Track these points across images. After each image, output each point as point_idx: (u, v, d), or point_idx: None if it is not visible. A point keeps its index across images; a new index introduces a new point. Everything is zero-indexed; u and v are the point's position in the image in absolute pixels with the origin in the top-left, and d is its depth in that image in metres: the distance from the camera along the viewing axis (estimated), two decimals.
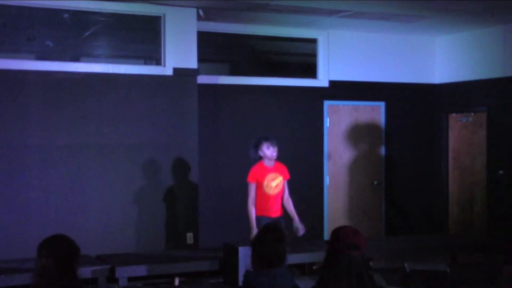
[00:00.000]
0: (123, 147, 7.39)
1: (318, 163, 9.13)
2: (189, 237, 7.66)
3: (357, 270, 2.99)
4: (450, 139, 9.72)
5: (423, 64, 9.79)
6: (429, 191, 9.81)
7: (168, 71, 7.58)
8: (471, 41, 9.33)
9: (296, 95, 8.95)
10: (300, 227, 6.45)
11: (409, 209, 9.66)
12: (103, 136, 7.29)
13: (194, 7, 7.63)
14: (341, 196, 9.35)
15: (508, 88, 8.72)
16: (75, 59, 7.39)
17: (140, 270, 6.13)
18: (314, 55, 9.21)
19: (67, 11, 7.19)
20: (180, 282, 6.43)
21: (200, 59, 7.85)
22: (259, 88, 8.73)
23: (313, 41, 9.18)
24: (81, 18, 7.28)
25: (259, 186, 6.35)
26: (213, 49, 8.76)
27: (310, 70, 9.21)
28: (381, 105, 9.57)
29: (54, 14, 7.16)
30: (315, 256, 6.56)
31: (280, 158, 6.47)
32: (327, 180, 9.23)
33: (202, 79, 7.99)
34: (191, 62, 7.68)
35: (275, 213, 6.45)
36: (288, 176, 6.52)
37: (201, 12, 7.77)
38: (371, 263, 6.80)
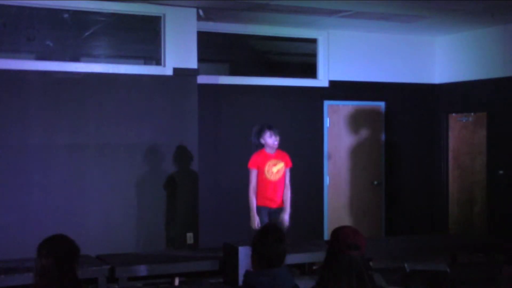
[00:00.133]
0: (123, 147, 7.39)
1: (318, 163, 9.13)
2: (189, 237, 7.66)
3: (357, 270, 2.99)
4: (450, 139, 9.72)
5: (423, 64, 9.79)
6: (429, 191, 9.81)
7: (168, 71, 7.58)
8: (471, 41, 9.33)
9: (296, 95, 8.95)
10: (284, 220, 6.47)
11: (409, 209, 9.66)
12: (103, 136, 7.29)
13: (194, 7, 7.63)
14: (341, 196, 9.35)
15: (508, 88, 8.72)
16: (75, 59, 7.39)
17: (140, 270, 6.14)
18: (314, 55, 9.21)
19: (67, 11, 7.19)
20: (180, 282, 6.43)
21: (200, 59, 7.85)
22: (259, 88, 8.73)
23: (313, 41, 9.18)
24: (81, 18, 7.28)
25: (260, 172, 6.46)
26: (213, 49, 8.75)
27: (310, 70, 9.21)
28: (381, 105, 9.57)
29: (54, 14, 7.16)
30: (315, 256, 6.55)
31: None
32: (327, 180, 9.23)
33: (202, 79, 7.99)
34: (191, 62, 7.68)
35: (275, 203, 6.49)
36: (290, 164, 6.61)
37: (201, 12, 7.77)
38: (371, 263, 6.80)
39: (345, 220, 9.12)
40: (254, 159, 6.51)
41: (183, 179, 7.65)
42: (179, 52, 7.63)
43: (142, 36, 7.87)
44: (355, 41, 9.32)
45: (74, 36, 7.37)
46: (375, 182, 9.53)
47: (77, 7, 7.17)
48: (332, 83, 9.18)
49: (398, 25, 8.72)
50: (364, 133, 9.47)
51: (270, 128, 6.51)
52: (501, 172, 8.79)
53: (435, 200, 9.80)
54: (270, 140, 6.47)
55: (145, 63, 8.04)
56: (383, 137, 9.57)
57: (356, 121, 9.42)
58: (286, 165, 6.58)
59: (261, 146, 6.53)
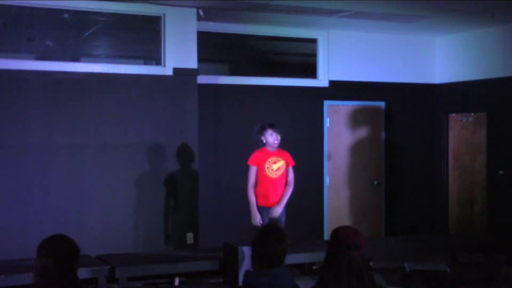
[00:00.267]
0: (123, 147, 7.39)
1: (318, 163, 9.13)
2: (189, 237, 7.66)
3: (357, 270, 2.99)
4: (450, 139, 9.72)
5: (423, 64, 9.79)
6: (429, 191, 9.81)
7: (168, 71, 7.58)
8: (471, 41, 9.33)
9: (296, 95, 8.95)
10: (274, 212, 6.43)
11: (409, 209, 9.66)
12: (103, 136, 7.29)
13: (194, 7, 7.63)
14: (341, 196, 9.34)
15: (508, 88, 8.72)
16: (75, 59, 7.39)
17: (140, 270, 6.14)
18: (314, 55, 9.21)
19: (67, 11, 7.19)
20: (180, 282, 6.43)
21: (200, 59, 7.85)
22: (259, 88, 8.72)
23: (313, 41, 9.18)
24: (81, 18, 7.28)
25: (260, 169, 6.48)
26: (213, 49, 8.75)
27: (310, 70, 9.20)
28: (381, 105, 9.57)
29: (54, 14, 7.15)
30: (315, 256, 6.56)
31: None
32: (327, 180, 9.23)
33: (202, 79, 7.99)
34: (191, 62, 7.68)
35: (275, 202, 6.47)
36: (292, 162, 6.62)
37: (201, 12, 7.77)
38: (371, 263, 6.80)
39: (345, 220, 9.11)
40: (255, 156, 6.53)
41: (183, 179, 7.65)
42: (179, 52, 7.63)
43: (142, 36, 7.87)
44: (355, 41, 9.32)
45: (74, 36, 7.37)
46: (375, 182, 9.53)
47: (77, 7, 7.17)
48: (332, 83, 9.18)
49: (398, 25, 8.73)
50: (364, 133, 9.47)
51: (271, 126, 6.54)
52: (501, 172, 8.79)
53: (435, 200, 9.80)
54: (271, 138, 6.50)
55: (145, 63, 8.04)
56: (383, 137, 9.57)
57: (356, 121, 9.42)
58: (287, 164, 6.59)
59: (263, 143, 6.55)
